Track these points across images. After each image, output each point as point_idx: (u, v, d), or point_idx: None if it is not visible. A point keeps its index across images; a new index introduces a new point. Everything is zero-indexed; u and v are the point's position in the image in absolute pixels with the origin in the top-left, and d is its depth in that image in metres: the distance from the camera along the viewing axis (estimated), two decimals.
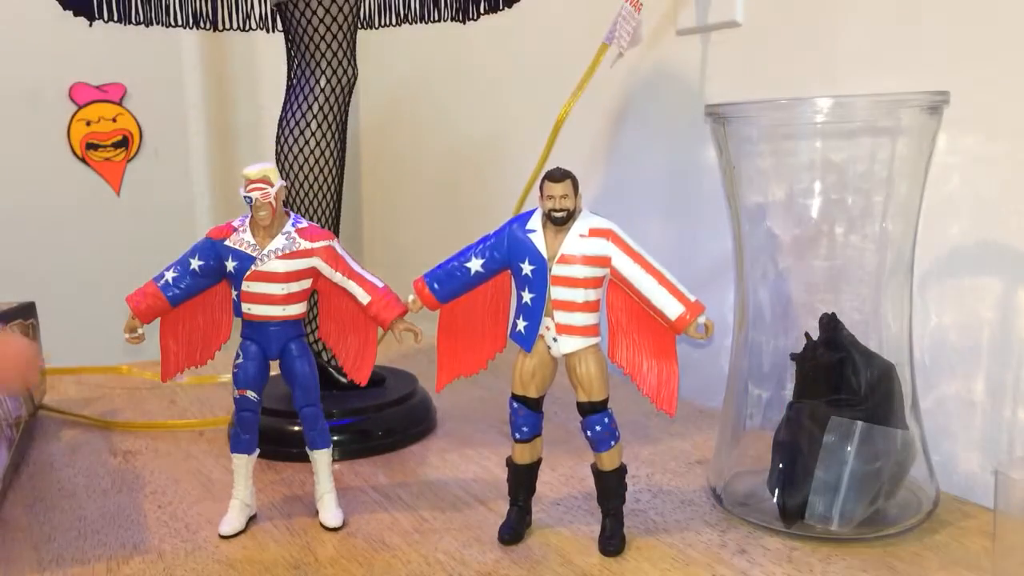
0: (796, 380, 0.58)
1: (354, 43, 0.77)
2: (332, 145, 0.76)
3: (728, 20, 0.83)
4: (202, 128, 1.52)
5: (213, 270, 0.56)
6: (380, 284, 0.57)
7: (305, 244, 0.56)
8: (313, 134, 0.75)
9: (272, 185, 0.54)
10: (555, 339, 0.52)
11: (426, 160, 1.41)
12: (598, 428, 0.53)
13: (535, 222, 0.52)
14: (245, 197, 0.54)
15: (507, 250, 0.53)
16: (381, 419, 0.74)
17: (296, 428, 0.62)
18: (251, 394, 0.57)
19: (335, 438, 0.69)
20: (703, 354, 0.88)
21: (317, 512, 0.59)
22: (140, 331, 0.57)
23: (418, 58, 1.37)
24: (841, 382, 0.55)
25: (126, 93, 1.47)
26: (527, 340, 0.53)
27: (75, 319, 1.29)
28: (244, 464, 0.58)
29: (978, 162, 0.64)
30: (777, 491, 0.56)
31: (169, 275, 0.56)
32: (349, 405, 0.74)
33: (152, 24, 0.81)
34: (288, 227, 0.56)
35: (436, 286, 0.54)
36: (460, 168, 1.31)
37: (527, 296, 0.52)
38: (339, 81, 0.76)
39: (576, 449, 0.71)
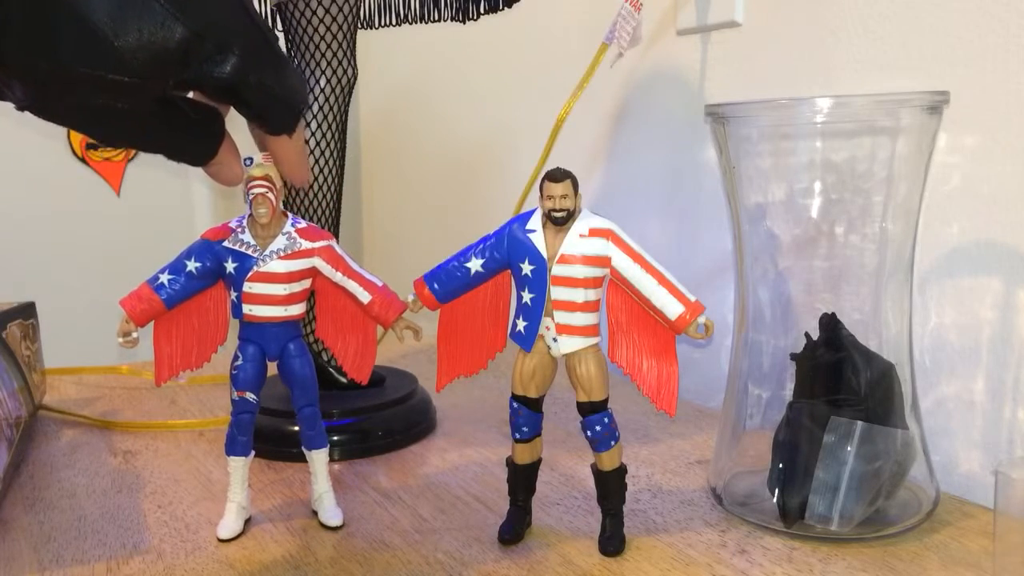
0: (796, 380, 0.58)
1: (354, 43, 0.77)
2: (332, 145, 0.76)
3: (728, 20, 0.83)
4: None
5: (210, 272, 0.56)
6: (379, 283, 0.57)
7: (306, 244, 0.56)
8: (313, 134, 0.75)
9: (274, 183, 0.54)
10: (555, 339, 0.52)
11: (426, 160, 1.41)
12: (598, 428, 0.53)
13: (535, 222, 0.52)
14: (246, 193, 0.54)
15: (507, 250, 0.53)
16: (381, 419, 0.74)
17: (296, 428, 0.62)
18: (250, 396, 0.56)
19: (335, 438, 0.69)
20: (703, 354, 0.88)
21: (316, 512, 0.59)
22: (135, 335, 0.55)
23: (418, 58, 1.37)
24: (841, 382, 0.55)
25: None
26: (527, 340, 0.53)
27: (75, 319, 1.30)
28: (241, 467, 0.58)
29: (978, 162, 0.64)
30: (777, 491, 0.56)
31: (164, 277, 0.56)
32: (349, 405, 0.74)
33: None
34: (287, 227, 0.56)
35: (436, 286, 0.54)
36: (460, 168, 1.31)
37: (527, 296, 0.52)
38: (339, 81, 0.76)
39: (576, 449, 0.71)
